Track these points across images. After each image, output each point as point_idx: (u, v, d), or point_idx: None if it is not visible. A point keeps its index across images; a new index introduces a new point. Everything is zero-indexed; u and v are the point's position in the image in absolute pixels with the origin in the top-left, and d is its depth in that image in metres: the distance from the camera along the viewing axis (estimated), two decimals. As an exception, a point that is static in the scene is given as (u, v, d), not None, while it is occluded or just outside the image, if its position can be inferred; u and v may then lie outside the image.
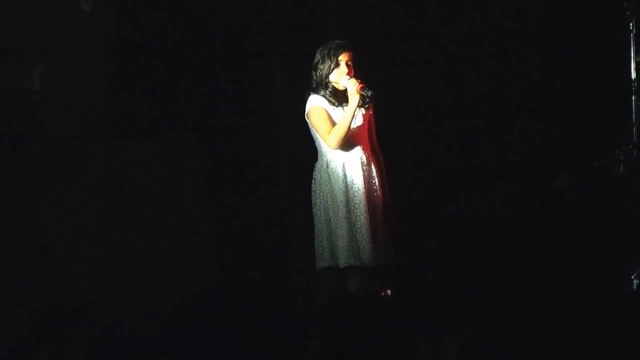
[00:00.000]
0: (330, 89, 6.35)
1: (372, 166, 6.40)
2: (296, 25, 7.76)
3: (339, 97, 6.35)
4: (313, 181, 6.44)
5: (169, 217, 7.10)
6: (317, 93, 6.36)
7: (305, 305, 6.64)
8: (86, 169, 7.02)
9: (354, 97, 6.25)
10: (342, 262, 6.28)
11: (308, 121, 6.39)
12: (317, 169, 6.43)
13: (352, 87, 6.26)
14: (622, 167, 7.39)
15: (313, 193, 6.43)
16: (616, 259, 6.76)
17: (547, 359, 5.00)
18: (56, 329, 6.11)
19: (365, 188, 6.32)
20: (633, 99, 7.52)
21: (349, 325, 4.69)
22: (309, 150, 6.51)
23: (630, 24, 7.50)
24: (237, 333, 5.34)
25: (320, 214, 6.37)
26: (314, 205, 6.42)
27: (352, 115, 6.26)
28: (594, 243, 7.02)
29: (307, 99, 6.39)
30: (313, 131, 6.40)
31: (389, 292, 6.58)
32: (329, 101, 6.35)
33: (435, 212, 7.86)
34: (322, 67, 6.34)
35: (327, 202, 6.34)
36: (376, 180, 6.40)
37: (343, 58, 6.32)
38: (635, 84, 7.53)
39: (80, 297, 6.57)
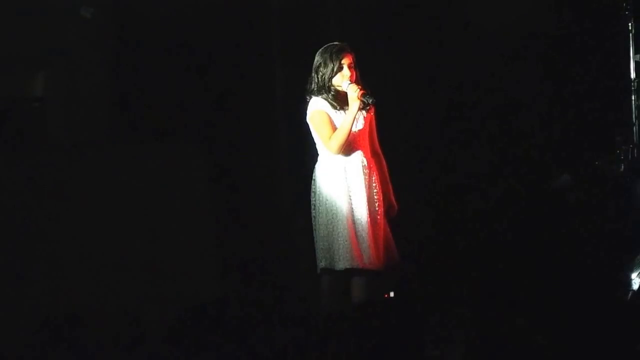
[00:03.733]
0: (332, 93, 6.35)
1: (373, 169, 6.41)
2: (297, 29, 7.76)
3: (341, 100, 6.35)
4: (313, 182, 6.45)
5: (172, 223, 7.08)
6: (319, 96, 6.37)
7: (311, 308, 6.65)
8: (88, 176, 7.00)
9: (354, 103, 6.26)
10: (341, 264, 6.29)
11: (310, 124, 6.40)
12: (317, 170, 6.43)
13: (353, 93, 6.26)
14: (622, 167, 7.43)
15: (312, 194, 6.44)
16: (616, 259, 6.77)
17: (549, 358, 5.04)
18: (56, 337, 6.14)
19: (366, 192, 6.34)
20: (633, 98, 7.57)
21: (355, 329, 4.73)
22: (310, 152, 6.52)
23: (629, 24, 7.56)
24: (243, 338, 5.37)
25: (320, 215, 6.37)
26: (313, 207, 6.43)
27: (352, 121, 6.27)
28: (594, 243, 7.03)
29: (308, 102, 6.40)
30: (314, 134, 6.42)
31: (392, 294, 6.59)
32: (331, 104, 6.35)
33: (436, 213, 7.89)
34: (324, 70, 6.33)
35: (327, 204, 6.34)
36: (377, 183, 6.40)
37: (345, 61, 6.31)
38: (635, 83, 7.58)
39: (85, 304, 6.59)
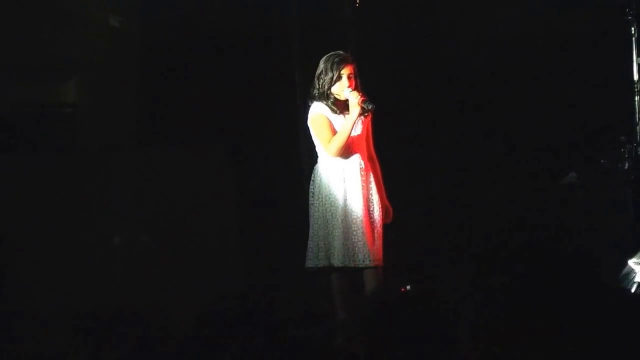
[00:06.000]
0: (332, 100, 6.51)
1: (370, 172, 6.58)
2: (317, 35, 7.92)
3: (340, 107, 6.51)
4: (311, 183, 6.60)
5: (197, 223, 7.30)
6: (320, 101, 6.53)
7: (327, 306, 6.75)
8: (118, 178, 7.26)
9: (354, 109, 6.42)
10: (337, 262, 6.47)
11: (310, 127, 6.57)
12: (316, 172, 6.59)
13: (354, 99, 6.41)
14: (627, 165, 7.54)
15: (311, 194, 6.59)
16: (621, 254, 6.88)
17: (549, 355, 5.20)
18: (85, 335, 6.35)
19: (363, 193, 6.50)
20: (636, 99, 7.68)
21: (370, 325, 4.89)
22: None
23: (632, 29, 7.67)
24: (262, 336, 5.54)
25: (318, 215, 6.53)
26: (311, 206, 6.58)
27: (352, 126, 6.44)
28: (599, 241, 7.19)
29: (309, 107, 6.58)
30: (314, 137, 6.59)
31: (408, 287, 6.69)
32: (331, 109, 6.51)
33: (439, 214, 8.05)
34: (324, 78, 6.48)
35: (325, 204, 6.51)
36: (373, 185, 6.57)
37: (345, 71, 6.46)
38: (638, 85, 7.68)
39: (114, 302, 6.75)
